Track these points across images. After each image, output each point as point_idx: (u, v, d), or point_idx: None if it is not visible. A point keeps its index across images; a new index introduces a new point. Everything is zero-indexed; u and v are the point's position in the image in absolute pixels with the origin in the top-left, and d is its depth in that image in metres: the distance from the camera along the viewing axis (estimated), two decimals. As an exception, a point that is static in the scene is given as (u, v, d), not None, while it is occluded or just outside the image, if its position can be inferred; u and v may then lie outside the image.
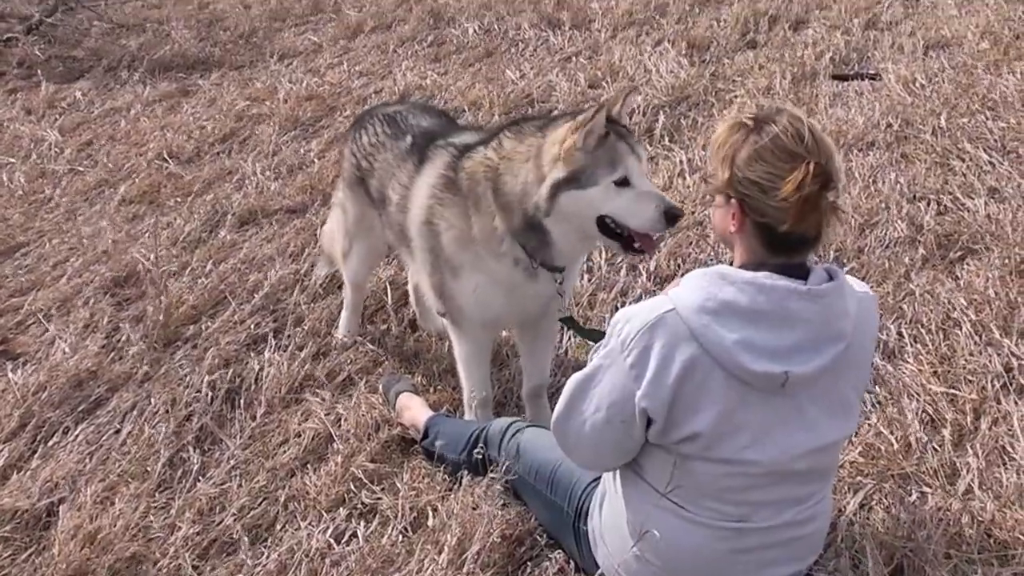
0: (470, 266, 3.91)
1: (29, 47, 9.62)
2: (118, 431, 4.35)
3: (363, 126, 4.70)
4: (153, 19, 10.53)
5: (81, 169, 7.11)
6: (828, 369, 2.76)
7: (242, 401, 4.51)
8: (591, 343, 3.56)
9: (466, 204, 3.88)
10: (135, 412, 4.46)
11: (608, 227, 3.60)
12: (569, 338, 4.75)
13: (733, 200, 2.79)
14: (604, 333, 2.95)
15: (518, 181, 3.72)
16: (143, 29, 10.22)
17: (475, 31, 9.61)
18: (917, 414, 4.08)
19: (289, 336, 4.97)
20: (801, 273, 2.77)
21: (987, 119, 6.77)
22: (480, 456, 3.71)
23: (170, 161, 7.09)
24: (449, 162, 4.02)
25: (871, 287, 4.80)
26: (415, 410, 4.20)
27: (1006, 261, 5.09)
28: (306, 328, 5.02)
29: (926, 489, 3.68)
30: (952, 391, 4.21)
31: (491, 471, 3.59)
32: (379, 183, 4.45)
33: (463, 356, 4.18)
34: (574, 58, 8.86)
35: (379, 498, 3.84)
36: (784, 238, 2.73)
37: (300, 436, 4.25)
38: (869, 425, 4.04)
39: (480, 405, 4.17)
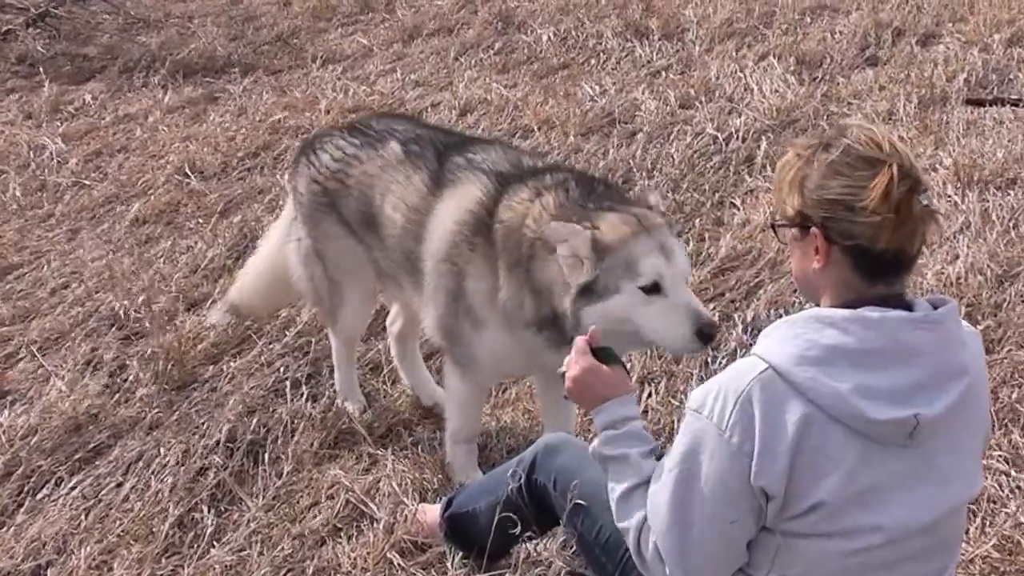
0: (495, 325, 3.91)
1: (31, 41, 9.75)
2: (120, 484, 4.34)
3: (316, 148, 4.61)
4: (177, 14, 10.65)
5: (87, 183, 7.18)
6: (957, 410, 2.70)
7: (266, 456, 4.49)
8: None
9: (497, 259, 3.88)
10: (141, 463, 4.45)
11: None
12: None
13: (813, 229, 2.75)
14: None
15: (547, 276, 3.74)
16: (165, 25, 10.33)
17: (550, 39, 9.63)
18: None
19: (323, 383, 4.95)
20: (903, 305, 2.72)
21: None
22: (519, 488, 3.54)
23: (192, 177, 7.14)
24: (483, 200, 3.99)
25: (1011, 350, 4.80)
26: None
27: None
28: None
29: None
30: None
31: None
32: (360, 202, 4.41)
33: (460, 396, 4.24)
34: (663, 73, 8.87)
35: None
36: (881, 259, 2.69)
37: (333, 499, 4.21)
38: (1006, 514, 3.93)
39: (466, 440, 4.26)
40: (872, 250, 2.67)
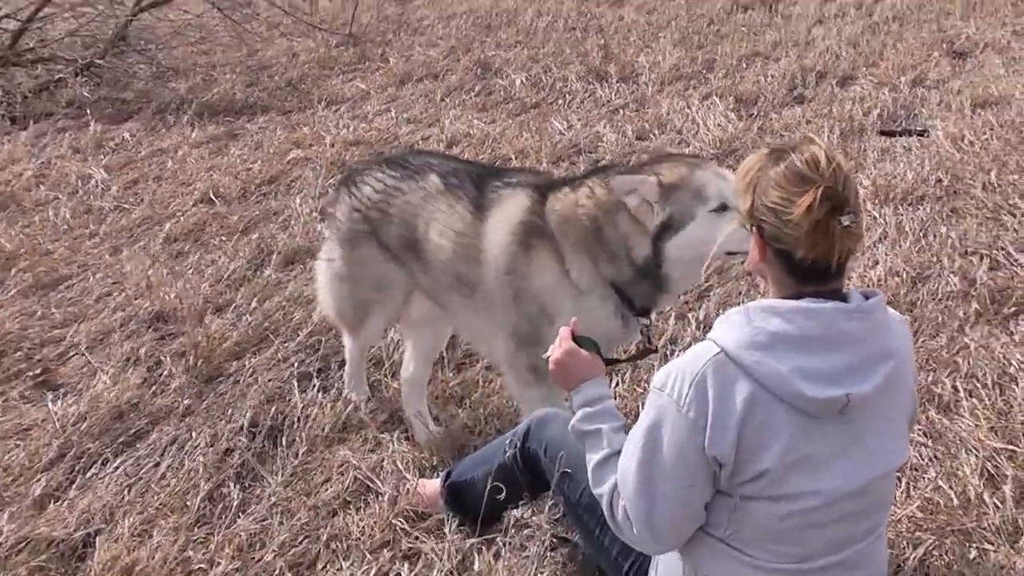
0: (569, 312, 3.70)
1: (78, 88, 9.74)
2: (157, 464, 4.26)
3: (357, 180, 4.41)
4: (202, 64, 10.61)
5: (127, 206, 7.12)
6: (883, 389, 2.68)
7: (284, 439, 4.42)
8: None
9: (558, 247, 3.80)
10: (175, 446, 4.37)
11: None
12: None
13: (754, 228, 2.75)
14: (646, 350, 2.86)
15: (619, 234, 3.69)
16: (192, 73, 10.29)
17: (522, 82, 9.62)
18: (976, 469, 3.94)
19: (333, 376, 4.88)
20: (839, 298, 2.70)
21: (1045, 172, 6.67)
22: (514, 455, 3.50)
23: (216, 201, 7.08)
24: (530, 206, 3.90)
25: (924, 340, 4.78)
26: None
27: (1065, 318, 4.97)
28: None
29: (988, 547, 3.54)
30: (1011, 447, 4.07)
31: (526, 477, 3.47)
32: (403, 229, 4.22)
33: (538, 403, 3.85)
34: (621, 110, 8.86)
35: (423, 541, 3.72)
36: (803, 266, 2.66)
37: (343, 475, 4.15)
38: (927, 479, 3.90)
39: None
40: (794, 256, 2.65)
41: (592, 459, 2.95)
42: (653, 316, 3.98)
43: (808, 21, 11.39)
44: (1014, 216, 6.13)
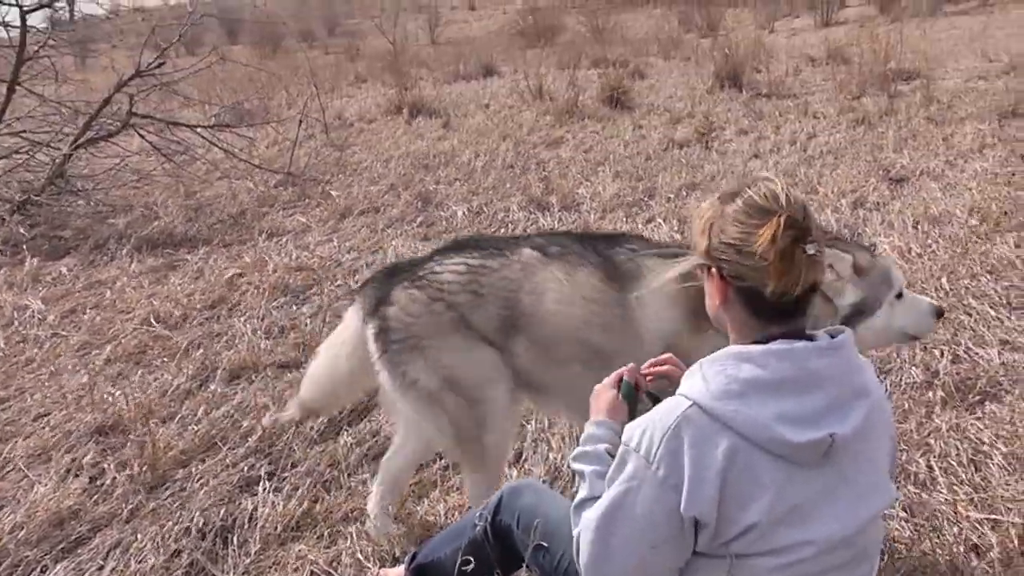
0: None
1: (14, 226, 9.56)
2: (101, 568, 4.08)
3: (420, 275, 3.96)
4: (141, 203, 10.49)
5: (64, 333, 6.92)
6: (863, 428, 2.59)
7: (236, 538, 4.24)
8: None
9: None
10: (119, 549, 4.18)
11: None
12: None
13: (713, 270, 2.69)
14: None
15: (813, 314, 3.61)
16: (131, 211, 10.16)
17: (464, 213, 9.59)
18: (959, 538, 3.85)
19: (284, 478, 4.70)
20: (806, 338, 2.64)
21: (989, 280, 6.70)
22: (485, 529, 3.29)
23: (156, 325, 6.90)
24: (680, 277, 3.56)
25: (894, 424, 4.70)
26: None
27: (1030, 398, 4.93)
28: (303, 469, 4.76)
29: (981, 609, 3.43)
30: (993, 517, 3.98)
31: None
32: (501, 307, 3.84)
33: None
34: (564, 238, 8.81)
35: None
36: (769, 302, 2.60)
37: (299, 571, 3.97)
38: (913, 553, 3.80)
39: None
40: (761, 292, 2.59)
41: (575, 500, 2.83)
42: None
43: (743, 156, 11.52)
44: (970, 315, 6.13)
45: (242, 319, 6.90)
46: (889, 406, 2.85)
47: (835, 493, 2.59)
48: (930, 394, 5.12)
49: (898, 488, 4.11)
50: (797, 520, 2.55)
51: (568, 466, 2.92)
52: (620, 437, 2.75)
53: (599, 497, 2.68)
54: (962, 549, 3.79)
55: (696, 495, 2.50)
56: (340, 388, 4.32)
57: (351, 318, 4.17)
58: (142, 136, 11.10)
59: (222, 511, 4.40)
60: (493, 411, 3.88)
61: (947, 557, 3.73)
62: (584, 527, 2.67)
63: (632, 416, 2.99)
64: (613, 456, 2.75)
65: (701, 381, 2.59)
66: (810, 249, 2.56)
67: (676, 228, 8.61)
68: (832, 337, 2.66)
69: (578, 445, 2.95)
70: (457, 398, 3.86)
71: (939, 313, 3.78)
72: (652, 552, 2.58)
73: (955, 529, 3.92)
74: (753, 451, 2.51)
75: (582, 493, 2.81)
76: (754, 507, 2.52)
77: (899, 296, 3.67)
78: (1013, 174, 9.79)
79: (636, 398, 3.07)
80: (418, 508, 4.43)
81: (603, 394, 3.06)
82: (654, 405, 2.86)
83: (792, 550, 2.55)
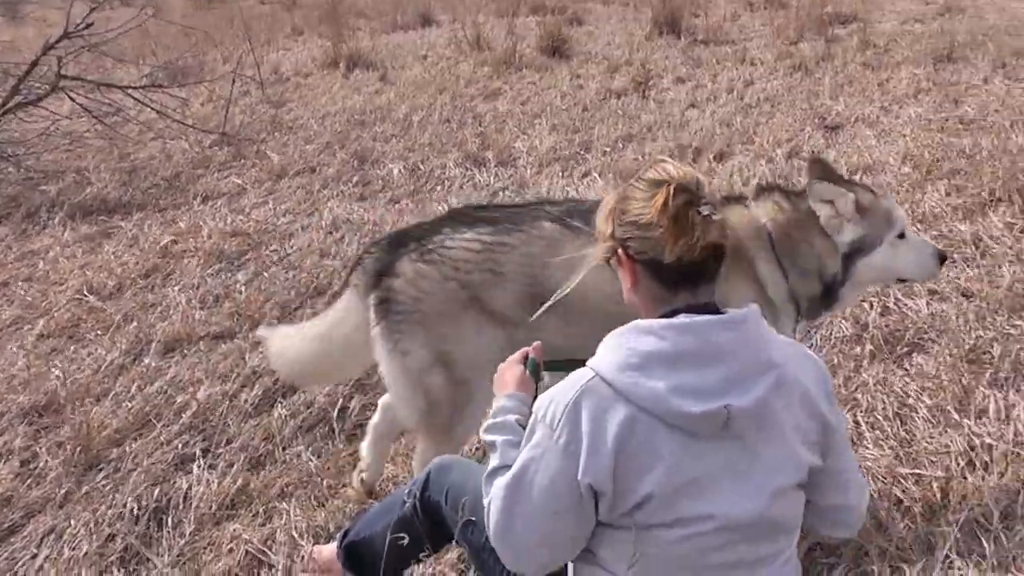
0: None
1: (-62, 198, 9.39)
2: (35, 555, 4.07)
3: (430, 249, 3.86)
4: (73, 168, 10.32)
5: (-4, 308, 6.83)
6: (767, 402, 2.63)
7: (170, 520, 4.24)
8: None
9: (752, 264, 3.80)
10: (53, 536, 4.18)
11: None
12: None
13: (620, 252, 2.76)
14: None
15: (814, 250, 3.77)
16: (63, 176, 10.00)
17: (400, 171, 9.54)
18: (884, 494, 3.94)
19: (219, 454, 4.70)
20: (714, 311, 2.69)
21: (919, 231, 6.76)
22: (414, 505, 3.32)
23: (90, 297, 6.83)
24: None
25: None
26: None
27: (955, 349, 5.03)
28: (237, 445, 4.76)
29: (903, 565, 3.51)
30: (917, 472, 4.06)
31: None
32: (526, 285, 3.75)
33: None
34: (501, 193, 8.80)
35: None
36: (673, 270, 2.67)
37: (234, 551, 3.98)
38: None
39: None
40: (663, 262, 2.65)
41: (486, 469, 2.89)
42: None
43: (681, 105, 11.51)
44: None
45: (176, 288, 6.85)
46: (812, 381, 2.76)
47: (738, 467, 2.64)
48: (859, 348, 5.19)
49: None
50: (695, 492, 2.61)
51: (481, 439, 2.95)
52: (530, 409, 2.82)
53: (511, 466, 2.74)
54: (887, 504, 3.88)
55: (592, 462, 2.58)
56: (334, 372, 4.46)
57: (348, 300, 4.07)
58: (72, 99, 10.91)
59: (156, 491, 4.40)
60: (476, 397, 3.84)
61: (871, 512, 3.79)
62: (493, 496, 2.74)
63: (537, 393, 3.05)
64: (524, 427, 2.81)
65: (608, 352, 2.67)
66: (704, 210, 2.63)
67: (611, 183, 8.62)
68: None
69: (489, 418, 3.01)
70: (445, 378, 3.82)
71: (942, 257, 3.87)
72: (554, 519, 2.65)
73: (879, 484, 4.01)
74: (651, 422, 2.57)
75: (493, 462, 2.86)
76: (648, 478, 2.58)
77: (901, 236, 3.76)
78: (946, 120, 9.89)
79: (539, 375, 3.14)
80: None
81: (510, 369, 3.12)
82: (537, 376, 3.08)
83: (693, 522, 2.62)
